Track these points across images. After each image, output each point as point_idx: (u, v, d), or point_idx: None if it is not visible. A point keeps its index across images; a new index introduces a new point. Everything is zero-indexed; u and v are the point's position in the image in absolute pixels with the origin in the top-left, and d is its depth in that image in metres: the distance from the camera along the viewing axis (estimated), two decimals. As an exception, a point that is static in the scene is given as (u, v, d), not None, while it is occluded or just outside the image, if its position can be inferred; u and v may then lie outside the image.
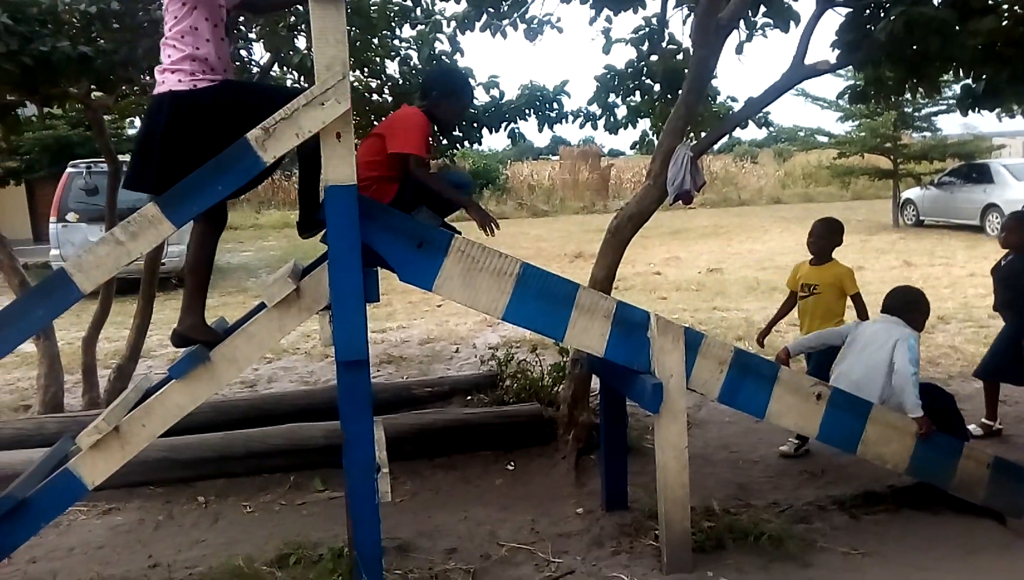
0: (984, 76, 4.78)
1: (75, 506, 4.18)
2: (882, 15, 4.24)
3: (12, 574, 3.61)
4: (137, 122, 11.67)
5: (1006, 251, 4.92)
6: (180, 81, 2.93)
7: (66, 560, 3.77)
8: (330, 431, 4.59)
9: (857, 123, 17.63)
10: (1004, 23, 4.43)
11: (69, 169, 12.47)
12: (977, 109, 5.18)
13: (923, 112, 17.15)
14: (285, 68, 6.18)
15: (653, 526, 3.61)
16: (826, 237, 4.81)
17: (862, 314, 4.63)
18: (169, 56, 2.96)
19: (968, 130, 21.41)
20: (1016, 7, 4.30)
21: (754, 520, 3.66)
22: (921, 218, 17.29)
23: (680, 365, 3.22)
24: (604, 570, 3.41)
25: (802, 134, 19.80)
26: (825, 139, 19.13)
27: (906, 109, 16.65)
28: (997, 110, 5.58)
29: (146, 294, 6.08)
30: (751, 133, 44.00)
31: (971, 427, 4.63)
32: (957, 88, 5.71)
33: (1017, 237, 4.80)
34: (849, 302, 4.75)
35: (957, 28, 3.92)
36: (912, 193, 17.61)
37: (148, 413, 2.92)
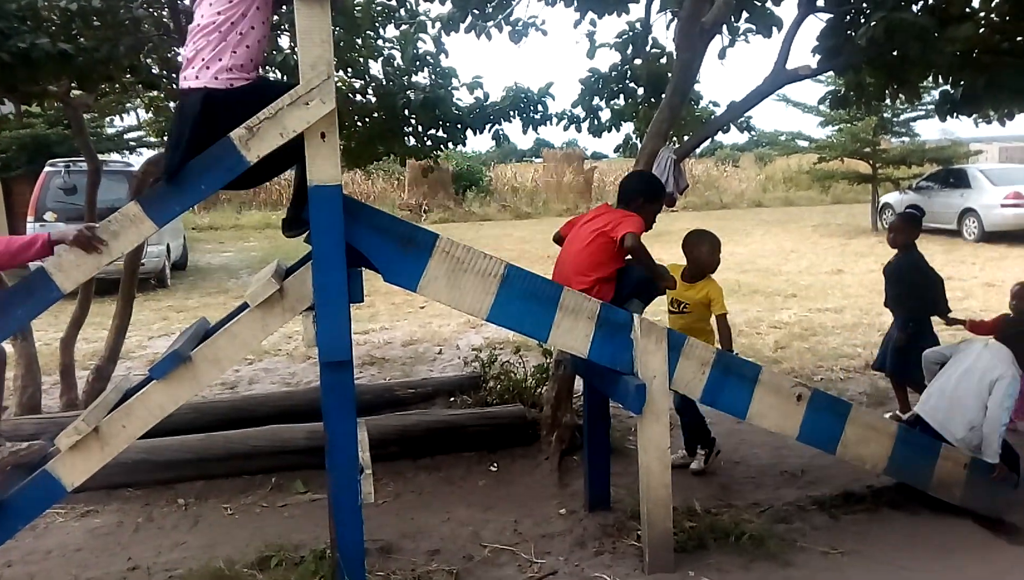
0: (962, 82, 4.86)
1: (52, 508, 4.11)
2: (863, 21, 4.30)
3: (-12, 578, 3.56)
4: (117, 121, 11.57)
5: (895, 250, 5.12)
6: (216, 79, 2.84)
7: (43, 563, 3.72)
8: (312, 432, 4.57)
9: (837, 128, 17.80)
10: (981, 31, 4.51)
11: (47, 168, 12.31)
12: (955, 114, 5.27)
13: (902, 117, 17.34)
14: (268, 67, 6.15)
15: (635, 526, 3.63)
16: (711, 254, 4.50)
17: (724, 339, 4.32)
18: (210, 43, 2.84)
19: (946, 135, 21.67)
20: (993, 15, 4.38)
21: (735, 520, 3.69)
22: (899, 222, 17.47)
23: (663, 366, 3.24)
24: (587, 570, 3.42)
25: (783, 138, 19.96)
26: (805, 143, 19.30)
27: (885, 114, 16.83)
28: (974, 115, 5.66)
29: (125, 295, 6.01)
30: (732, 137, 44.40)
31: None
32: (936, 94, 5.80)
33: (904, 237, 5.03)
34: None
35: (936, 34, 3.98)
36: (891, 197, 17.80)
37: (128, 414, 2.89)
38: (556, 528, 3.85)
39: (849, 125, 17.11)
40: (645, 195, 3.78)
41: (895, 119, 17.38)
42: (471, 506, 4.18)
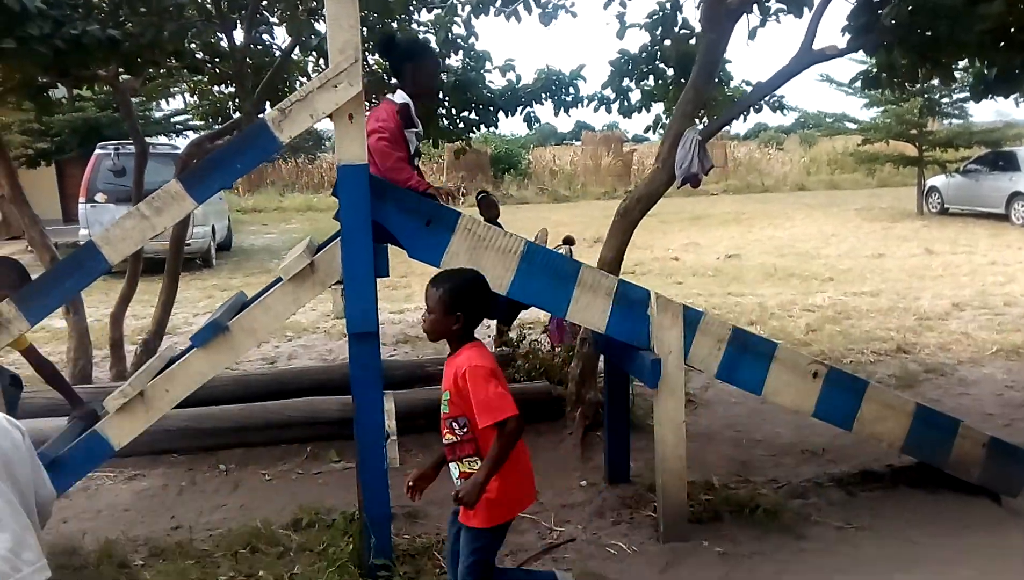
0: (996, 62, 4.78)
1: (102, 472, 4.39)
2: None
3: (45, 533, 3.80)
4: (164, 104, 11.89)
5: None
6: None
7: (95, 521, 3.97)
8: (345, 404, 4.70)
9: (882, 109, 17.42)
10: (1021, 5, 4.42)
11: (98, 150, 12.74)
12: (990, 95, 5.19)
13: (953, 98, 16.88)
14: (306, 51, 6.32)
15: (653, 498, 3.73)
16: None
17: None
18: None
19: (1001, 117, 20.97)
20: (1028, -8, 4.30)
21: (751, 494, 3.77)
22: (946, 206, 17.10)
23: (679, 342, 3.32)
24: (604, 538, 3.55)
25: (829, 120, 19.58)
26: (852, 125, 18.92)
27: (933, 96, 16.41)
28: (1014, 96, 5.56)
29: (171, 273, 6.28)
30: (779, 119, 43.61)
31: None
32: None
33: None
34: None
35: (966, 12, 3.94)
36: (937, 181, 17.40)
37: (171, 379, 3.09)
38: (576, 499, 3.98)
39: (894, 106, 16.73)
40: None
41: (942, 100, 16.94)
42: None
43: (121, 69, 5.76)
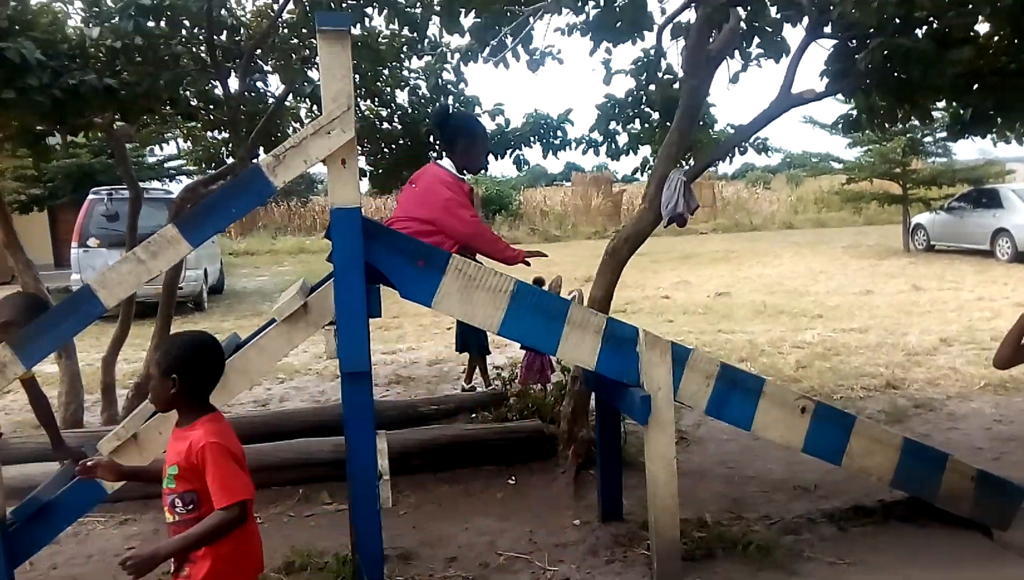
0: (970, 103, 4.94)
1: (93, 517, 4.36)
2: (868, 43, 4.41)
3: (35, 579, 3.78)
4: (158, 150, 12.04)
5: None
6: None
7: (85, 567, 3.94)
8: (337, 446, 4.73)
9: (866, 149, 17.74)
10: (990, 52, 4.60)
11: (91, 196, 12.82)
12: (966, 135, 5.34)
13: (936, 137, 17.22)
14: (299, 98, 6.45)
15: (646, 536, 3.73)
16: None
17: None
18: None
19: (984, 155, 21.38)
20: (996, 37, 4.47)
21: (744, 531, 3.78)
22: (932, 243, 17.33)
23: (667, 378, 3.36)
24: (598, 577, 3.54)
25: (814, 160, 19.91)
26: (837, 165, 19.24)
27: (916, 135, 16.75)
28: (988, 135, 5.71)
29: (164, 316, 6.29)
30: (765, 159, 44.24)
31: None
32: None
33: None
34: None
35: (937, 57, 4.08)
36: (922, 218, 17.65)
37: (165, 421, 3.09)
38: (570, 538, 3.97)
39: (878, 146, 17.05)
40: None
41: (925, 139, 17.28)
42: (489, 516, 4.32)
43: (117, 116, 5.86)
